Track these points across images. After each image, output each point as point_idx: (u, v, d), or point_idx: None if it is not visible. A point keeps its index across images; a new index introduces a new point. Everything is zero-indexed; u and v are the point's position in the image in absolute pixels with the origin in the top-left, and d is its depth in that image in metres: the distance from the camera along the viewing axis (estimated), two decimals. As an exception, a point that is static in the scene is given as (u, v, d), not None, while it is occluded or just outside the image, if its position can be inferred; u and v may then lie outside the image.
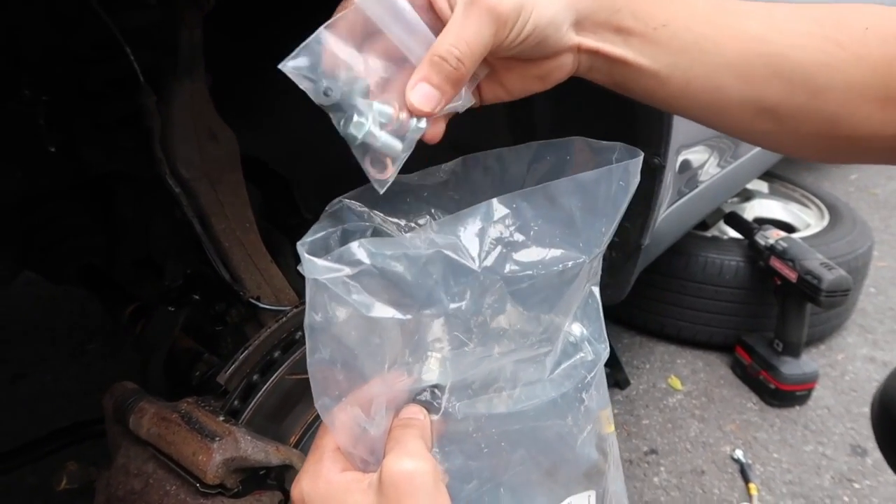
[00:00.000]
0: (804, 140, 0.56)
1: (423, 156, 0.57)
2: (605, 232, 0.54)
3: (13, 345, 2.37)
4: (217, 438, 0.78)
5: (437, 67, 0.49)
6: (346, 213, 0.55)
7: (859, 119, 0.52)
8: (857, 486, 1.86)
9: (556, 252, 0.52)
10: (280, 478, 0.85)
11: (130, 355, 2.24)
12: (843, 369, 2.34)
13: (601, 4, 0.53)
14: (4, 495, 1.75)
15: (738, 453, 1.95)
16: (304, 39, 0.49)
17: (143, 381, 1.15)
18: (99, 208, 1.36)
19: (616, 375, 2.21)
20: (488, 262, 0.49)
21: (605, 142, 0.57)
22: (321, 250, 0.53)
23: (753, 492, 1.81)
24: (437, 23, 0.51)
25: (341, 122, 0.49)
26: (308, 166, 1.63)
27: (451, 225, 0.49)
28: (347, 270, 0.46)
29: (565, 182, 0.52)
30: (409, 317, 0.48)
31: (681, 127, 1.22)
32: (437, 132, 0.53)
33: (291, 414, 0.92)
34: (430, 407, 0.52)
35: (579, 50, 0.55)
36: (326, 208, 0.55)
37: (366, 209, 0.56)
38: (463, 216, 0.49)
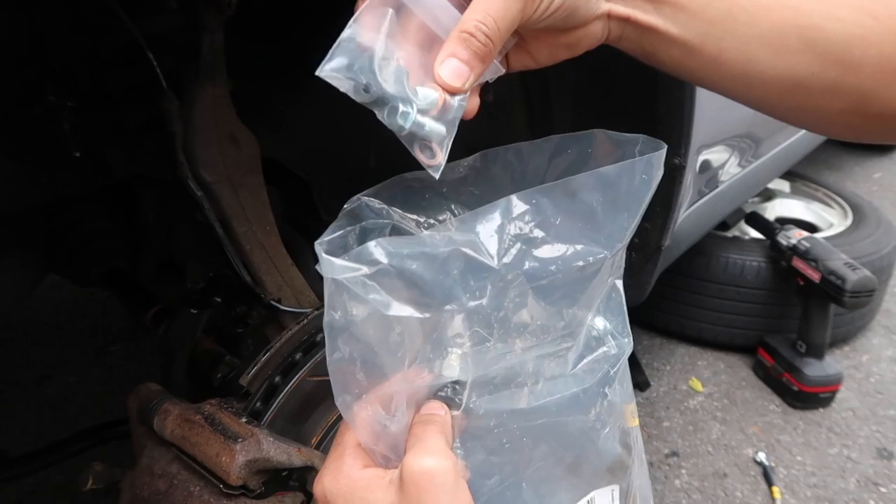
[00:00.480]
0: (833, 117, 0.55)
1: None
2: (628, 226, 0.53)
3: (39, 347, 2.40)
4: (240, 440, 0.79)
5: (466, 43, 0.48)
6: (365, 211, 0.55)
7: (890, 95, 0.51)
8: (883, 489, 1.83)
9: (578, 247, 0.51)
10: (302, 479, 0.86)
11: (153, 356, 2.28)
12: (868, 371, 2.31)
13: None
14: (30, 495, 1.78)
15: (761, 456, 1.93)
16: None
17: (166, 383, 1.17)
18: (122, 212, 1.38)
19: (636, 377, 2.20)
20: (507, 259, 0.49)
21: (627, 134, 0.56)
22: (339, 249, 0.53)
23: (777, 495, 1.79)
24: None
25: (385, 114, 0.48)
26: (326, 168, 1.64)
27: (469, 222, 0.49)
28: (365, 270, 0.45)
29: (586, 176, 0.51)
30: (427, 315, 0.48)
31: (701, 127, 1.21)
32: (473, 106, 0.52)
33: (313, 416, 0.93)
34: (450, 403, 0.51)
35: (609, 17, 0.54)
36: (345, 206, 0.54)
37: (384, 206, 0.56)
38: (481, 213, 0.49)
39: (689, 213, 1.52)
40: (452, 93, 0.49)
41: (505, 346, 0.52)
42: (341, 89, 0.47)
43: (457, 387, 0.51)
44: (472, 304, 0.49)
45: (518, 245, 0.49)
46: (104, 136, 1.14)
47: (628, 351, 0.60)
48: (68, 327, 2.52)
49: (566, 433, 0.57)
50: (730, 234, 2.47)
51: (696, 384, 2.24)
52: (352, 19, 0.47)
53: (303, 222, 1.51)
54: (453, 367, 0.51)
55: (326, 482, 0.49)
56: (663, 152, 0.53)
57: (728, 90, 0.57)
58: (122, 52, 1.03)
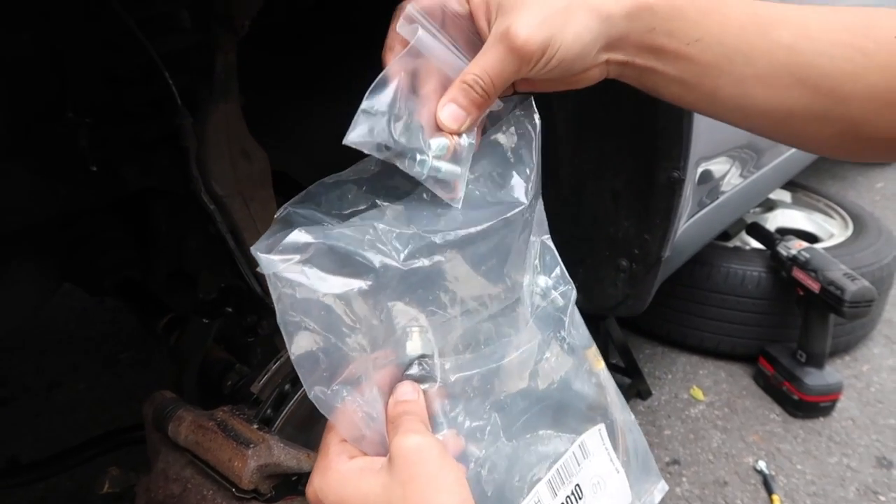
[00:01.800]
0: (828, 141, 0.58)
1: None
2: (529, 177, 0.58)
3: (49, 355, 2.44)
4: (251, 445, 0.82)
5: (465, 92, 0.54)
6: (295, 217, 0.57)
7: (882, 123, 0.54)
8: (882, 498, 1.85)
9: (490, 209, 0.56)
10: (311, 484, 0.88)
11: (161, 364, 2.31)
12: (869, 380, 2.33)
13: (634, 26, 0.54)
14: (41, 501, 1.81)
15: (762, 464, 1.95)
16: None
17: (177, 390, 1.20)
18: (135, 223, 1.42)
19: (638, 386, 2.22)
20: (426, 228, 0.53)
21: (506, 99, 0.60)
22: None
23: (777, 503, 1.81)
24: (479, 38, 0.56)
25: (406, 165, 0.54)
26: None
27: (374, 215, 0.53)
28: (298, 256, 0.49)
29: None
30: (370, 283, 0.50)
31: (700, 140, 1.24)
32: (478, 141, 0.58)
33: (321, 422, 0.95)
34: (423, 378, 0.54)
35: (608, 62, 0.57)
36: (276, 216, 0.57)
37: (312, 210, 0.58)
38: (382, 210, 0.54)
39: (690, 225, 1.54)
40: (451, 133, 0.55)
41: (458, 315, 0.56)
42: (365, 151, 0.54)
43: (425, 362, 0.54)
44: (408, 265, 0.51)
45: (432, 218, 0.54)
46: (120, 150, 1.17)
47: (573, 297, 0.66)
48: (78, 335, 2.56)
49: (538, 383, 0.61)
50: (731, 244, 2.50)
51: (698, 393, 2.27)
52: (368, 91, 0.53)
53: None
54: (416, 342, 0.54)
55: (316, 481, 0.51)
56: (529, 102, 0.59)
57: (726, 119, 0.60)
58: (139, 70, 1.07)
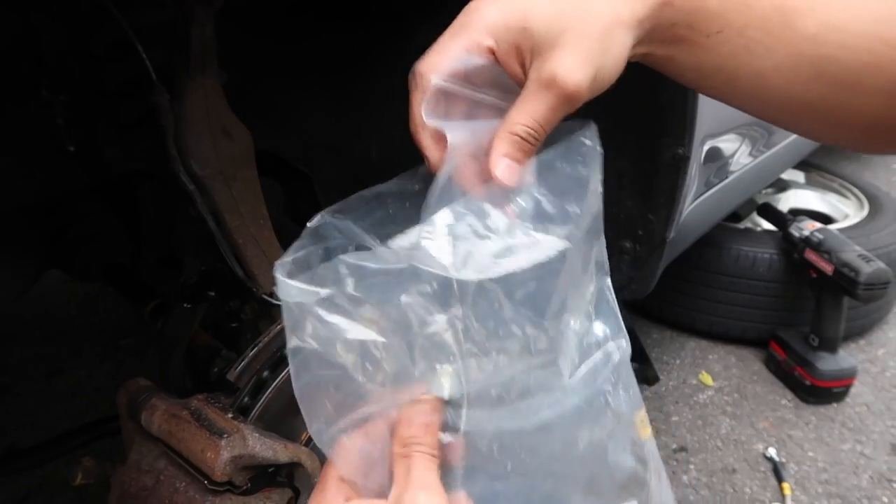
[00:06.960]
0: (846, 133, 0.56)
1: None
2: (578, 211, 0.52)
3: (49, 341, 2.43)
4: (225, 435, 0.78)
5: (517, 144, 0.51)
6: (329, 230, 0.53)
7: None
8: (897, 486, 1.80)
9: (532, 241, 0.50)
10: (290, 475, 0.85)
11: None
12: (884, 365, 2.26)
13: (660, 23, 0.53)
14: (38, 488, 1.80)
15: (772, 451, 1.89)
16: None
17: (163, 377, 1.16)
18: (122, 206, 1.38)
19: (645, 371, 2.17)
20: (462, 266, 0.47)
21: (565, 122, 0.55)
22: (304, 268, 0.50)
23: (787, 491, 1.76)
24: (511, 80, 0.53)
25: None
26: (328, 161, 1.64)
27: (414, 236, 0.47)
28: (322, 293, 0.45)
29: None
30: (384, 339, 0.46)
31: (706, 116, 1.19)
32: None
33: (303, 411, 0.92)
34: (443, 425, 0.48)
35: (631, 56, 0.56)
36: (308, 224, 0.52)
37: (349, 223, 0.53)
38: (423, 226, 0.48)
39: (696, 205, 1.49)
40: (510, 186, 0.51)
41: (494, 360, 0.50)
42: None
43: (450, 408, 0.48)
44: (436, 318, 0.47)
45: (468, 250, 0.47)
46: (99, 130, 1.13)
47: (627, 353, 0.58)
48: (79, 322, 2.54)
49: (572, 450, 0.54)
50: (741, 225, 2.43)
51: (707, 378, 2.21)
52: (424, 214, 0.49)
53: (305, 216, 1.50)
54: (443, 386, 0.48)
55: None
56: (592, 129, 0.54)
57: (744, 109, 0.58)
58: (115, 45, 1.03)
